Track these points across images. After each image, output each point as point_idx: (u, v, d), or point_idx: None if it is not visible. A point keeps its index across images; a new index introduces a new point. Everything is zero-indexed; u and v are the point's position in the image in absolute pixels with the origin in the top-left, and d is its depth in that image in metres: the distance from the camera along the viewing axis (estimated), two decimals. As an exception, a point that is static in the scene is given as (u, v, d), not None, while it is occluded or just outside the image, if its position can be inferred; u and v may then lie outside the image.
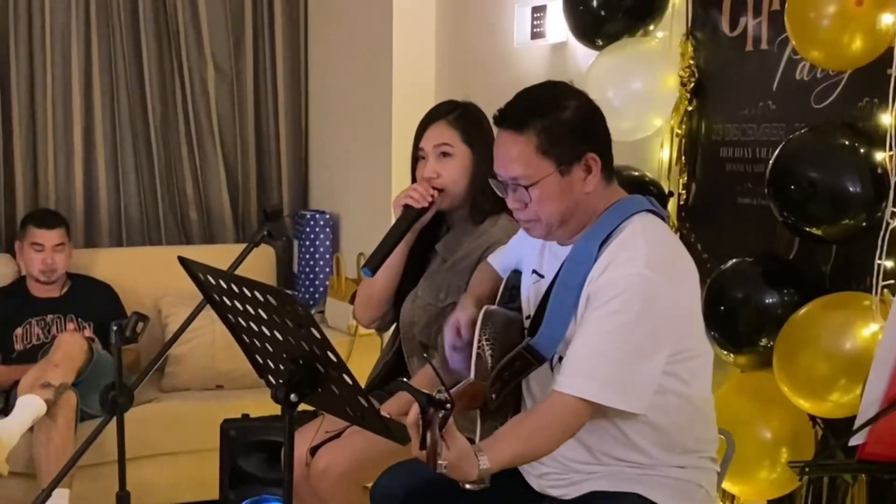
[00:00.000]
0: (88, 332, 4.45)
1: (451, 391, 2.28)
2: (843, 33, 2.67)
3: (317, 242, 5.32)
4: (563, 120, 2.30)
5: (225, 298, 2.30)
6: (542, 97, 2.37)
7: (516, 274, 2.60)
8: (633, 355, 2.21)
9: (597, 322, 2.22)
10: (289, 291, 2.09)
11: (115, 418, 2.86)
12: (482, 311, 2.47)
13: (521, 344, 2.34)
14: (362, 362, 3.37)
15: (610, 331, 2.20)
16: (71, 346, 4.16)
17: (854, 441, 2.08)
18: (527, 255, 2.55)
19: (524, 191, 2.30)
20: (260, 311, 2.19)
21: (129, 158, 5.38)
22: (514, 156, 2.30)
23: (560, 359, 2.34)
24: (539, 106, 2.32)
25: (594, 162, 2.31)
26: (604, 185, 2.35)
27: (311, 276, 5.35)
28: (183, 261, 2.31)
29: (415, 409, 2.01)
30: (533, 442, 2.21)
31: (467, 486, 2.11)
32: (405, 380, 2.13)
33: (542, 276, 2.46)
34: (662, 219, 2.41)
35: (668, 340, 2.25)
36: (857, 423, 2.05)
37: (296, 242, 5.44)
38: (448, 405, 1.97)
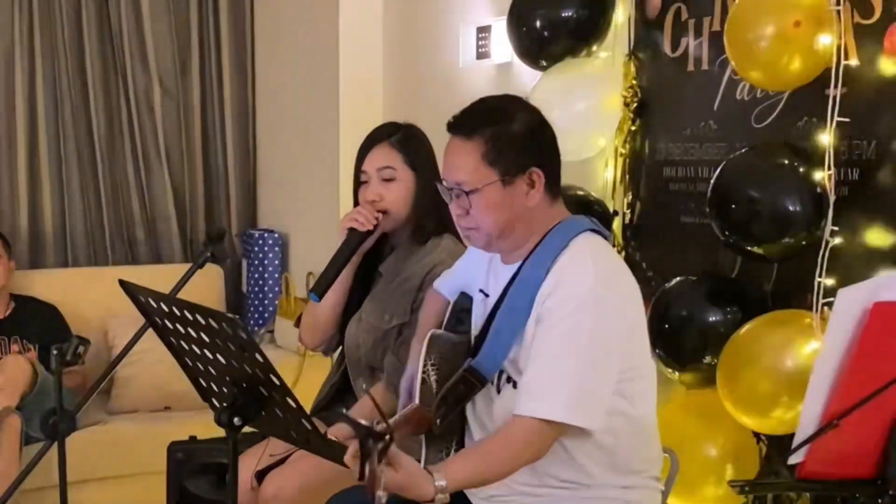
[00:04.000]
0: (33, 355, 4.39)
1: (396, 417, 2.29)
2: (782, 54, 2.70)
3: (265, 262, 5.30)
4: (511, 131, 2.31)
5: (167, 322, 2.28)
6: (495, 107, 2.38)
7: (464, 297, 2.60)
8: (589, 373, 2.21)
9: (551, 342, 2.23)
10: (231, 315, 2.07)
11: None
12: (427, 335, 2.47)
13: (463, 366, 2.35)
14: (312, 382, 3.36)
15: (565, 351, 2.21)
16: (15, 368, 4.12)
17: (793, 460, 2.09)
18: (474, 275, 2.55)
19: (465, 197, 2.31)
20: (202, 334, 2.18)
21: (75, 178, 5.33)
22: (460, 162, 2.32)
23: (508, 379, 2.35)
24: (490, 115, 2.34)
25: (538, 177, 2.32)
26: (548, 202, 2.36)
27: (261, 295, 5.32)
28: (124, 284, 2.29)
29: (355, 442, 2.01)
30: (492, 464, 2.21)
31: None
32: (343, 411, 2.12)
33: (487, 295, 2.46)
34: (605, 238, 2.43)
35: (619, 356, 2.26)
36: (796, 441, 2.07)
37: (244, 262, 5.42)
38: (387, 436, 1.97)
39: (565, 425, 2.21)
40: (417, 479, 2.07)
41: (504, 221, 2.32)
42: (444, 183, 2.37)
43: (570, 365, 2.20)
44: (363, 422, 1.97)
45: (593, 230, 2.38)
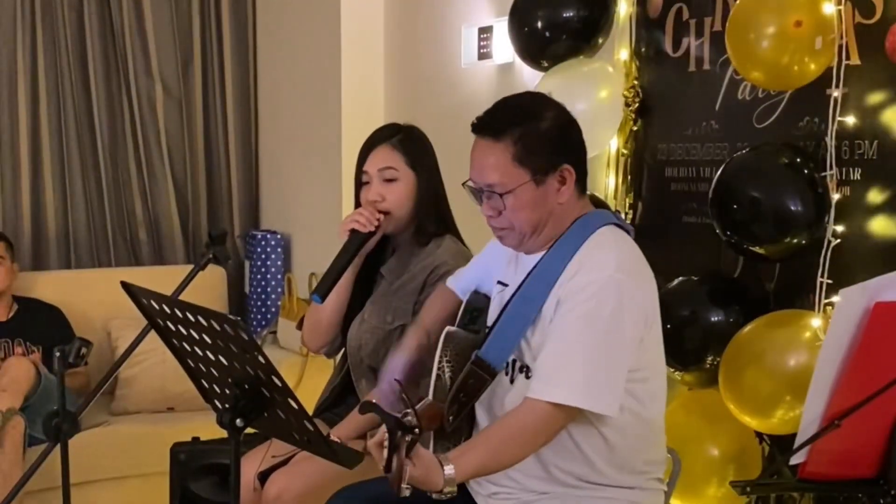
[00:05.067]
0: (36, 357, 4.40)
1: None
2: (783, 54, 2.70)
3: (268, 263, 5.30)
4: (540, 130, 2.31)
5: (169, 323, 2.28)
6: (521, 106, 2.38)
7: (477, 295, 2.60)
8: (605, 358, 2.22)
9: (569, 326, 2.23)
10: (232, 316, 2.07)
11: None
12: (443, 332, 2.47)
13: (471, 358, 2.35)
14: (315, 383, 3.36)
15: (583, 334, 2.21)
16: (18, 370, 4.12)
17: (795, 460, 2.09)
18: (493, 270, 2.55)
19: (499, 198, 2.30)
20: (204, 335, 2.18)
21: (77, 179, 5.33)
22: (491, 163, 2.31)
23: (521, 368, 2.35)
24: (517, 115, 2.34)
25: (569, 173, 2.32)
26: (576, 197, 2.37)
27: (263, 296, 5.32)
28: (126, 286, 2.29)
29: (381, 431, 2.01)
30: (502, 450, 2.20)
31: (434, 495, 2.11)
32: (374, 401, 2.12)
33: (506, 286, 2.46)
34: (627, 233, 2.43)
35: (636, 344, 2.27)
36: (798, 441, 2.07)
37: (247, 263, 5.42)
38: (416, 430, 1.97)
39: (577, 410, 2.21)
40: (431, 473, 2.08)
41: (537, 220, 2.33)
42: (471, 184, 2.36)
43: (586, 348, 2.21)
44: (393, 413, 1.98)
45: (616, 224, 2.39)
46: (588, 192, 3.37)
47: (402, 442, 1.95)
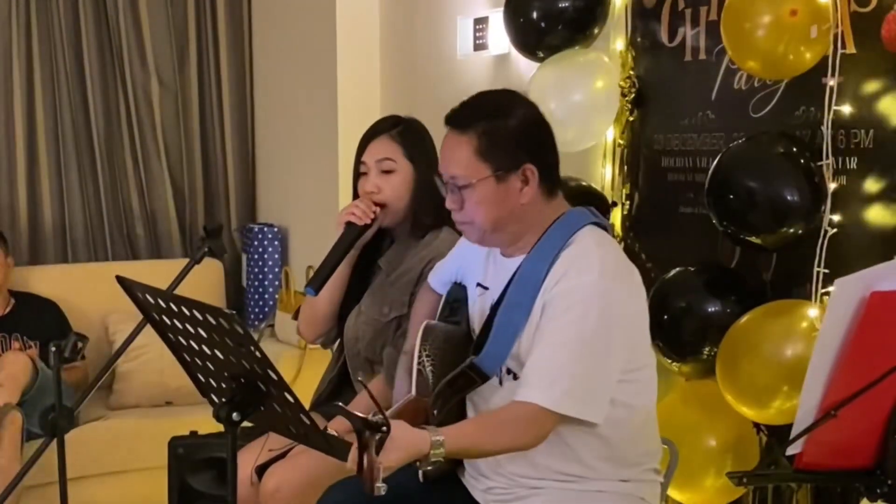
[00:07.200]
0: (33, 352, 4.39)
1: (393, 408, 2.29)
2: (778, 43, 2.69)
3: (265, 256, 5.30)
4: (506, 127, 2.30)
5: (165, 317, 2.28)
6: (492, 102, 2.38)
7: (457, 286, 2.60)
8: (591, 364, 2.21)
9: (555, 332, 2.22)
10: (227, 310, 2.07)
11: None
12: (422, 326, 2.47)
13: (465, 362, 2.34)
14: (313, 375, 3.36)
15: (569, 340, 2.20)
16: (15, 365, 4.12)
17: (791, 450, 2.09)
18: (470, 267, 2.54)
19: (458, 191, 2.31)
20: (200, 329, 2.17)
21: (74, 174, 5.32)
22: (454, 155, 2.31)
23: (509, 371, 2.34)
24: (486, 109, 2.33)
25: (531, 174, 2.31)
26: (544, 198, 2.35)
27: (261, 289, 5.32)
28: (121, 280, 2.29)
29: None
30: (490, 439, 2.19)
31: (428, 467, 2.10)
32: (340, 404, 2.12)
33: (486, 289, 2.46)
34: (606, 230, 2.42)
35: (623, 349, 2.26)
36: (794, 432, 2.06)
37: (244, 256, 5.41)
38: (384, 428, 1.97)
39: (562, 415, 2.20)
40: (412, 440, 2.04)
41: (497, 217, 2.32)
42: (442, 177, 2.37)
43: (572, 355, 2.20)
44: (360, 414, 1.97)
45: (595, 223, 2.38)
46: (586, 184, 3.42)
47: (370, 441, 1.94)
